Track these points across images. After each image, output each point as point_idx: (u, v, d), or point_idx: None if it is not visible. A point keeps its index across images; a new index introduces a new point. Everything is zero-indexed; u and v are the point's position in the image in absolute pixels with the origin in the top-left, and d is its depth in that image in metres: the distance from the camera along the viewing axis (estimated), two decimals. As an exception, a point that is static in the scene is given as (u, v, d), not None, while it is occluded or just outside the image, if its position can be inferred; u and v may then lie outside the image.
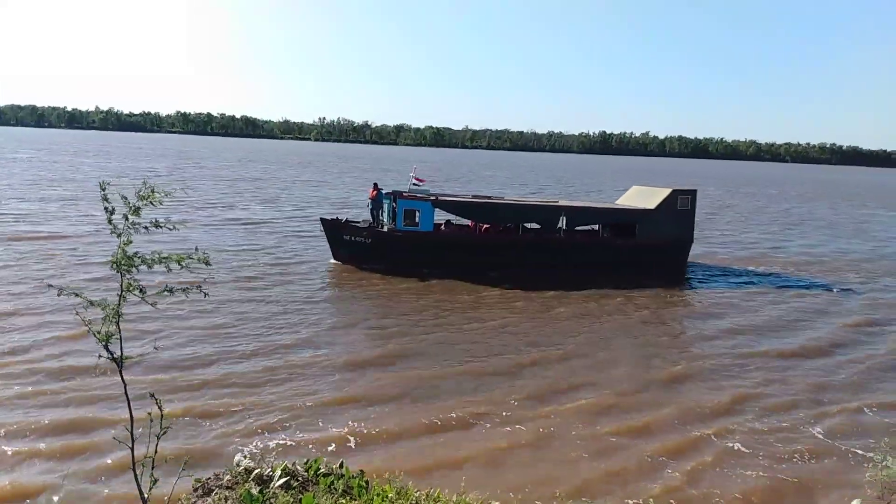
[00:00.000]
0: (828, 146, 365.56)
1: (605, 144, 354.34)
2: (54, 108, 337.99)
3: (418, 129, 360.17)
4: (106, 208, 5.77)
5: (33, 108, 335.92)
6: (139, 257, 5.81)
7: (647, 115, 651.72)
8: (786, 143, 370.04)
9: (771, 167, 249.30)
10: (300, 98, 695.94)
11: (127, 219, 5.77)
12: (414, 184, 26.32)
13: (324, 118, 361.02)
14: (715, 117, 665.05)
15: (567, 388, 14.00)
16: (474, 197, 28.30)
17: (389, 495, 6.65)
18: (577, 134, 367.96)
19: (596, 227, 27.94)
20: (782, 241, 39.00)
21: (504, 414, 12.48)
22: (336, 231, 25.57)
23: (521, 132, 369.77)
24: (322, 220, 26.19)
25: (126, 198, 5.79)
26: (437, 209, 25.00)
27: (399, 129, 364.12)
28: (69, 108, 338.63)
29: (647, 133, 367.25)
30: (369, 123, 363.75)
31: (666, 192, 27.30)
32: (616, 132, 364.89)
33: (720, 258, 31.32)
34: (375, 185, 27.12)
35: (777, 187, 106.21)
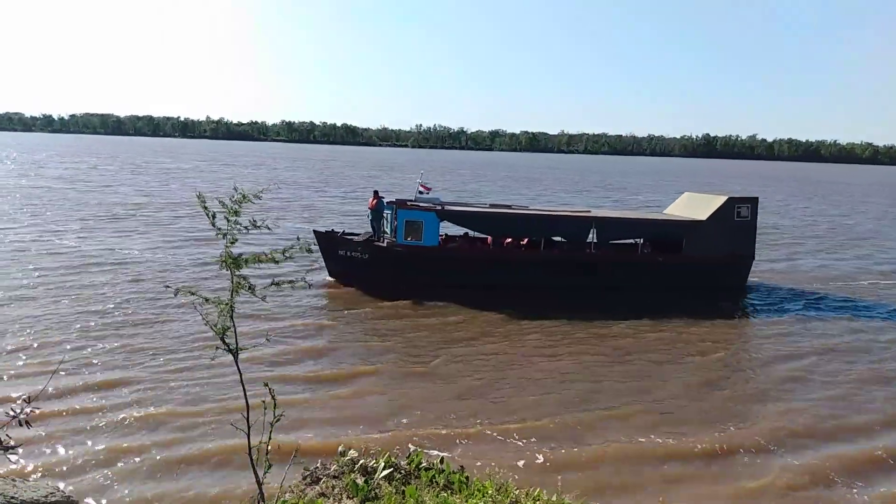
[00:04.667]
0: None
1: (709, 147, 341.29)
2: (168, 119, 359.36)
3: (513, 135, 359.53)
4: (207, 214, 6.21)
5: (150, 119, 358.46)
6: (243, 258, 6.24)
7: (753, 117, 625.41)
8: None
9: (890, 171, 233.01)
10: (397, 105, 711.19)
11: (228, 220, 6.22)
12: (420, 192, 23.66)
13: (420, 125, 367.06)
14: (827, 119, 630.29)
15: (626, 419, 13.68)
16: (491, 206, 25.01)
17: (489, 492, 6.74)
18: (678, 137, 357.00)
19: (636, 240, 24.23)
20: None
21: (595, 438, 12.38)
22: (330, 245, 23.08)
23: (620, 135, 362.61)
24: (315, 232, 23.28)
25: (224, 203, 6.22)
26: (444, 221, 22.45)
27: (494, 134, 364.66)
28: (182, 118, 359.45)
29: (754, 136, 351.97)
30: (465, 130, 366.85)
31: (721, 199, 23.82)
32: (721, 135, 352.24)
33: (791, 277, 26.79)
34: (376, 192, 24.12)
35: None
